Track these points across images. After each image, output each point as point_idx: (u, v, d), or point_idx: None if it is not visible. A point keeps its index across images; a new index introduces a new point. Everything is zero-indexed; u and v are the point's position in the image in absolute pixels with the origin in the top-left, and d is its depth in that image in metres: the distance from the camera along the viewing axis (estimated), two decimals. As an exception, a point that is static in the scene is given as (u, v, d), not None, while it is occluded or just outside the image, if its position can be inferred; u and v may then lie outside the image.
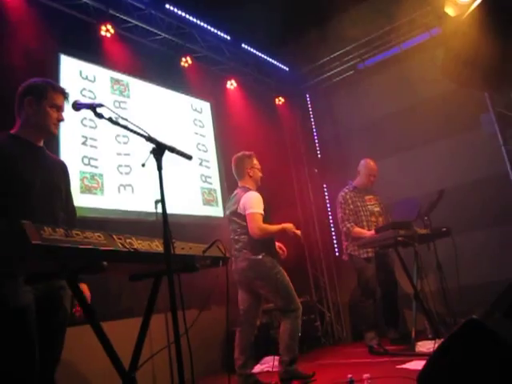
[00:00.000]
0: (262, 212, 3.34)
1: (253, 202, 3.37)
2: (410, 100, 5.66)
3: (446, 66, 4.58)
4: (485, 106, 5.18)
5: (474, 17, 4.33)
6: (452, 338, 2.57)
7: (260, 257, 3.35)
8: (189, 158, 2.04)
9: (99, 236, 1.67)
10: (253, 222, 3.30)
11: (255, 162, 3.54)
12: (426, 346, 3.70)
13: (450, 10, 4.63)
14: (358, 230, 4.36)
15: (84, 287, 2.20)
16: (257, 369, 4.12)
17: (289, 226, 3.37)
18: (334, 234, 6.25)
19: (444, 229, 4.15)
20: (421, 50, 5.56)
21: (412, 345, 3.85)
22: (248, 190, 3.50)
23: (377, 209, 4.59)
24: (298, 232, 3.37)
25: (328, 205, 6.39)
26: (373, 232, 4.19)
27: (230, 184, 5.33)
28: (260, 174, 3.56)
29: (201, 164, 5.29)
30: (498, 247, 4.89)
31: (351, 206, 4.45)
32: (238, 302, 3.48)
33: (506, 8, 4.47)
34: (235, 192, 3.62)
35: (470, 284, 4.54)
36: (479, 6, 4.36)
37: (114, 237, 1.74)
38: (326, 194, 6.51)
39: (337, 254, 6.09)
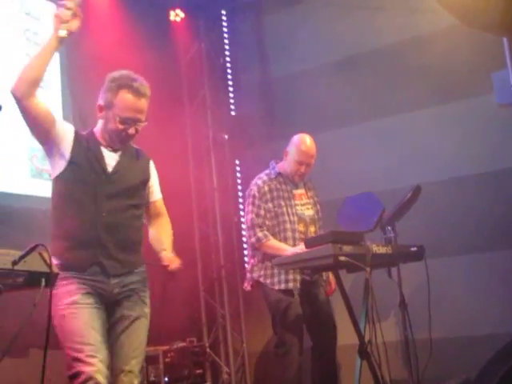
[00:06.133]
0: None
1: None
2: (387, 38, 5.85)
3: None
4: (501, 59, 5.46)
5: None
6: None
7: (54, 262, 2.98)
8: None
9: None
10: None
11: (123, 96, 3.11)
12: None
13: None
14: (274, 243, 4.43)
15: None
16: None
17: None
18: (245, 242, 6.30)
19: (414, 248, 4.29)
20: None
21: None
22: None
23: (309, 212, 4.70)
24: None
25: (240, 195, 6.48)
26: (296, 249, 4.27)
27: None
28: (117, 126, 3.12)
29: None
30: (497, 282, 5.23)
31: (270, 205, 4.52)
32: None
33: None
34: None
35: (447, 335, 4.87)
36: None
37: None
38: (239, 176, 6.58)
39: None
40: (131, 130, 3.10)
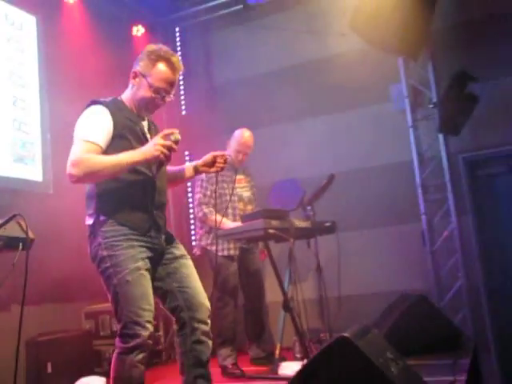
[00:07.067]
0: (96, 141, 2.58)
1: (82, 123, 2.67)
2: (308, 55, 5.88)
3: (356, 19, 4.79)
4: (397, 74, 5.58)
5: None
6: (318, 358, 2.74)
7: (94, 217, 2.65)
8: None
9: None
10: (70, 155, 2.59)
11: (161, 67, 2.72)
12: (292, 367, 3.85)
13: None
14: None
15: None
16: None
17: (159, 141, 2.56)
18: (192, 220, 6.38)
19: (328, 223, 4.40)
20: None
21: (275, 366, 4.03)
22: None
23: (247, 193, 4.76)
24: (174, 136, 2.62)
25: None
26: (235, 223, 4.32)
27: (55, 134, 5.06)
28: (149, 94, 2.73)
29: (14, 104, 4.89)
30: (389, 251, 5.36)
31: (215, 187, 4.49)
32: None
33: None
34: None
35: (352, 293, 4.92)
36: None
37: None
38: (188, 165, 6.65)
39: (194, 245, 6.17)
40: (158, 100, 2.76)
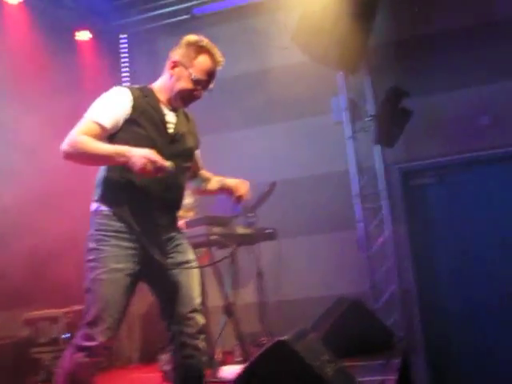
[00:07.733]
0: (102, 122, 2.44)
1: (96, 102, 2.54)
2: (250, 67, 5.93)
3: (299, 33, 4.88)
4: (338, 88, 5.71)
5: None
6: (256, 361, 2.79)
7: (96, 206, 2.52)
8: None
9: None
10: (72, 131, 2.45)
11: (203, 58, 2.64)
12: (232, 370, 3.85)
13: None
14: None
15: None
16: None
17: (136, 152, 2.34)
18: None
19: (269, 230, 4.44)
20: (273, 7, 5.80)
21: (215, 369, 4.02)
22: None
23: (188, 200, 4.67)
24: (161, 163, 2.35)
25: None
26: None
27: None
28: (189, 85, 2.62)
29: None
30: (328, 257, 5.46)
31: None
32: None
33: None
34: None
35: (292, 298, 5.01)
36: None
37: None
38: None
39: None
40: (198, 92, 2.64)
